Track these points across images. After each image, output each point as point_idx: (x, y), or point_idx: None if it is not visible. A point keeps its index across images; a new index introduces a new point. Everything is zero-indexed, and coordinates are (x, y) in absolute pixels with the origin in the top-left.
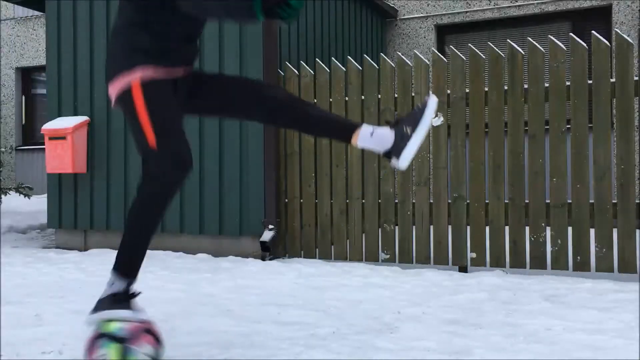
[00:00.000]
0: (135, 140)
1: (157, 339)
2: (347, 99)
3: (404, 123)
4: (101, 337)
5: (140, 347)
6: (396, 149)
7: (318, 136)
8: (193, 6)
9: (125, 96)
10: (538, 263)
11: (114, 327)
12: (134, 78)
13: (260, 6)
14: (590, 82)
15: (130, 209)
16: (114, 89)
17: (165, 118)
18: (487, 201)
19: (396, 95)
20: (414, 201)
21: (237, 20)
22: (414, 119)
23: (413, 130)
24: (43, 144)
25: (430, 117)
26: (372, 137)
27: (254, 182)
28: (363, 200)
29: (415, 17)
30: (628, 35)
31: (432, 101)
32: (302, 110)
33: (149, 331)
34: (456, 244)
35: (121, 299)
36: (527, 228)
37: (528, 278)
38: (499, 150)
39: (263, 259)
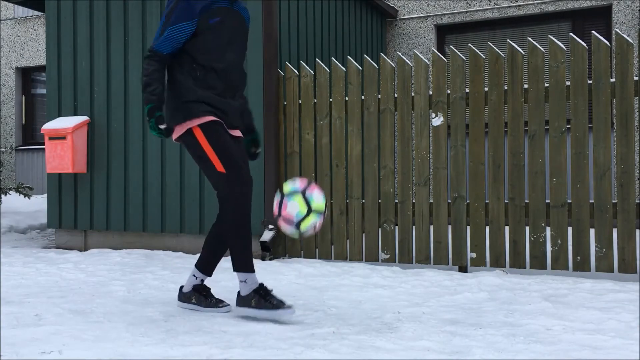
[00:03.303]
0: (205, 172)
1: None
2: (347, 98)
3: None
4: (284, 197)
5: (317, 191)
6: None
7: (227, 240)
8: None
9: (188, 134)
10: (538, 263)
11: (290, 187)
12: (193, 124)
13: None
14: (590, 82)
15: (221, 228)
16: (175, 134)
17: (226, 149)
18: (487, 201)
19: (396, 95)
20: (414, 201)
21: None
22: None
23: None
24: (43, 144)
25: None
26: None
27: (254, 182)
28: (363, 200)
29: (415, 17)
30: (628, 35)
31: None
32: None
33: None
34: (456, 244)
35: (263, 293)
36: (527, 228)
37: (528, 278)
38: (499, 150)
39: (263, 259)
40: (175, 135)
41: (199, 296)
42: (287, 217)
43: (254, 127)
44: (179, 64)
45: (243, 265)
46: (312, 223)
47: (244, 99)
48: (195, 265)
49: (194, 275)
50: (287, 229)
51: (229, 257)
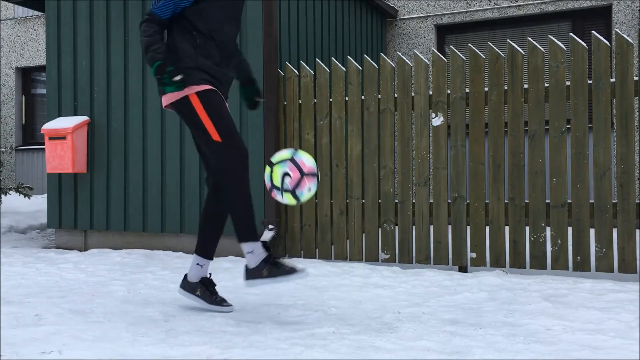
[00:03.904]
0: (198, 141)
1: (311, 174)
2: (347, 98)
3: (269, 264)
4: (273, 189)
5: (304, 189)
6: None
7: (229, 212)
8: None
9: (184, 101)
10: (538, 263)
11: (281, 181)
12: (191, 91)
13: (154, 70)
14: (590, 82)
15: (216, 205)
16: (168, 99)
17: (224, 118)
18: (487, 201)
19: (396, 95)
20: (414, 201)
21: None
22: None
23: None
24: (43, 144)
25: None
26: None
27: (253, 182)
28: (363, 200)
29: (415, 17)
30: (628, 35)
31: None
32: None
33: (309, 175)
34: (456, 244)
35: (272, 261)
36: (527, 228)
37: (528, 278)
38: (499, 150)
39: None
40: (167, 102)
41: (204, 290)
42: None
43: (254, 77)
44: (179, 30)
45: (248, 235)
46: (308, 186)
47: (239, 53)
48: (195, 252)
49: (197, 264)
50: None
51: (228, 257)
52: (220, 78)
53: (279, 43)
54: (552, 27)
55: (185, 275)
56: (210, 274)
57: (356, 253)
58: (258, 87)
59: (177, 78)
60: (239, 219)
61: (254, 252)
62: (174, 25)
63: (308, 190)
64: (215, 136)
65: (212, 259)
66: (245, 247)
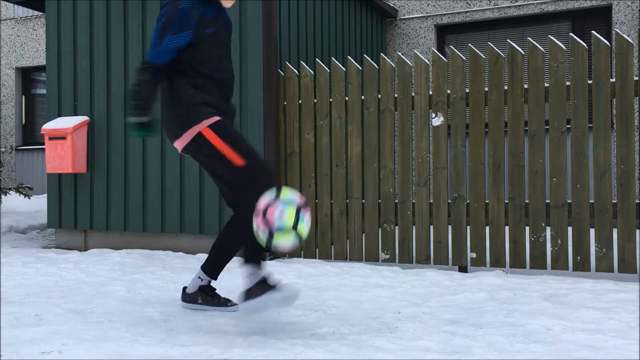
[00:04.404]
0: (222, 170)
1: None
2: (347, 98)
3: (259, 288)
4: (280, 201)
5: (306, 215)
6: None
7: (240, 231)
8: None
9: (198, 139)
10: (538, 263)
11: (290, 195)
12: (202, 126)
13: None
14: (590, 82)
15: (237, 228)
16: (182, 142)
17: (241, 141)
18: (487, 201)
19: (396, 95)
20: (414, 201)
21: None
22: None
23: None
24: (43, 144)
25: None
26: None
27: None
28: (363, 200)
29: (415, 17)
30: (628, 35)
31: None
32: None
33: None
34: (456, 244)
35: (269, 283)
36: (527, 228)
37: (528, 278)
38: (499, 150)
39: (263, 259)
40: (181, 144)
41: (205, 296)
42: (270, 221)
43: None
44: (179, 73)
45: (255, 258)
46: (287, 241)
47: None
48: (202, 268)
49: (199, 277)
50: (261, 231)
51: (234, 257)
52: (224, 111)
53: (279, 43)
54: (552, 27)
55: (184, 288)
56: (209, 281)
57: (356, 253)
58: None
59: (137, 120)
60: (250, 240)
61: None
62: (173, 68)
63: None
64: (238, 160)
65: (216, 279)
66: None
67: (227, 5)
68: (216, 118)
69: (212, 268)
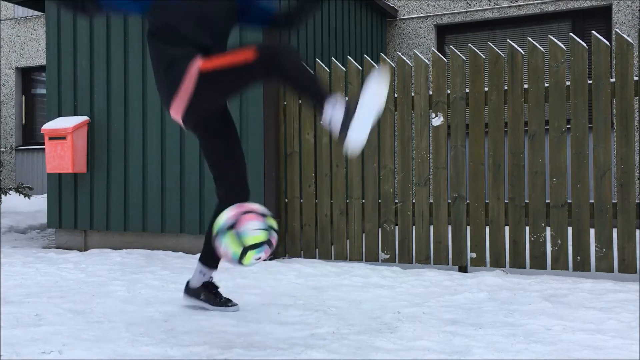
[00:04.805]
0: (246, 81)
1: (259, 213)
2: (347, 99)
3: (207, 291)
4: (217, 236)
5: (247, 225)
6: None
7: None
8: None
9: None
10: (538, 263)
11: (220, 222)
12: (193, 71)
13: None
14: (590, 82)
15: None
16: (183, 97)
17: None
18: (487, 201)
19: (396, 95)
20: (414, 201)
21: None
22: (215, 301)
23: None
24: (43, 144)
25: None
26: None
27: (254, 182)
28: (363, 200)
29: (415, 17)
30: (628, 35)
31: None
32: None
33: (248, 212)
34: (456, 244)
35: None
36: (527, 228)
37: (528, 278)
38: (499, 150)
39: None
40: (177, 113)
41: (208, 294)
42: (226, 255)
43: None
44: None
45: (209, 259)
46: (255, 257)
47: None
48: (200, 260)
49: (200, 272)
50: (231, 264)
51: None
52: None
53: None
54: (552, 27)
55: (188, 282)
56: (211, 277)
57: (356, 253)
58: None
59: None
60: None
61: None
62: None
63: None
64: (248, 55)
65: (216, 269)
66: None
67: None
68: (199, 61)
69: (208, 259)
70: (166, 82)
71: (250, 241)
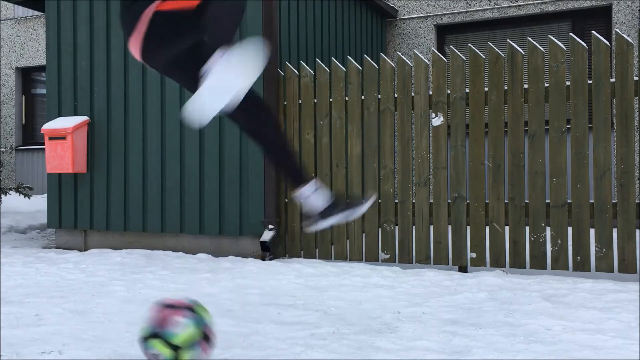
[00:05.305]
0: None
1: (184, 307)
2: (347, 98)
3: (337, 207)
4: (142, 343)
5: (172, 323)
6: (324, 213)
7: (276, 163)
8: None
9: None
10: (538, 263)
11: (144, 330)
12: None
13: None
14: (590, 82)
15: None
16: (139, 34)
17: None
18: (487, 201)
19: (396, 95)
20: (414, 201)
21: None
22: (346, 207)
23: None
24: (43, 144)
25: (354, 216)
26: (315, 194)
27: (254, 182)
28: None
29: (415, 17)
30: (628, 35)
31: (364, 205)
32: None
33: (170, 308)
34: (456, 244)
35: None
36: (527, 228)
37: (528, 278)
38: (499, 150)
39: (263, 259)
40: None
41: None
42: (164, 319)
43: None
44: None
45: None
46: (194, 355)
47: None
48: (298, 184)
49: (315, 191)
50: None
51: (229, 258)
52: None
53: (279, 43)
54: (552, 27)
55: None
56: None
57: (356, 253)
58: None
59: None
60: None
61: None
62: None
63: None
64: None
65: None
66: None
67: None
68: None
69: (298, 176)
70: (128, 14)
71: (179, 340)
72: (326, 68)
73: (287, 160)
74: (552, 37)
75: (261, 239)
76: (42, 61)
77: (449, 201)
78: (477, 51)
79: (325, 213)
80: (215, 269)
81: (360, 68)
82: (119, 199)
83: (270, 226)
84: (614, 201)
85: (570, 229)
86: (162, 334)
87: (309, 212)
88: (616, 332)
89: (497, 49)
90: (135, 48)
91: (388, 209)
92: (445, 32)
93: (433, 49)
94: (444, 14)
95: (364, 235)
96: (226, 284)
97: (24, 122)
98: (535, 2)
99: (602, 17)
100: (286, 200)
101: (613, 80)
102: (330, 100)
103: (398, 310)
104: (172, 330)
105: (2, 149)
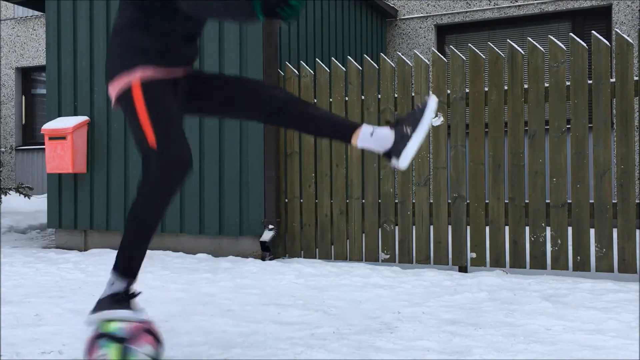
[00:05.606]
0: (135, 140)
1: (157, 339)
2: (347, 98)
3: (403, 123)
4: (101, 337)
5: (140, 346)
6: (396, 149)
7: (318, 136)
8: (194, 5)
9: (126, 96)
10: (538, 263)
11: (113, 327)
12: (134, 78)
13: (261, 6)
14: (590, 82)
15: (131, 208)
16: (114, 89)
17: (165, 118)
18: (487, 201)
19: (396, 95)
20: (414, 201)
21: (238, 20)
22: (414, 118)
23: (413, 130)
24: (43, 144)
25: (430, 117)
26: (372, 137)
27: (254, 182)
28: (363, 200)
29: (415, 17)
30: (628, 35)
31: (432, 101)
32: (302, 110)
33: (149, 331)
34: (456, 244)
35: (121, 299)
36: (527, 228)
37: (528, 278)
38: (499, 150)
39: (263, 259)
40: (114, 91)
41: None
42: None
43: None
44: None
45: (126, 268)
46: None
47: None
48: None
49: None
50: None
51: (229, 257)
52: (178, 58)
53: (279, 43)
54: (552, 27)
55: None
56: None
57: (356, 253)
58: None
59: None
60: (127, 245)
61: (114, 285)
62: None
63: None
64: (150, 138)
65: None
66: (112, 276)
67: None
68: (152, 74)
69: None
70: (118, 59)
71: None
72: (326, 68)
73: (330, 123)
74: (552, 37)
75: (261, 239)
76: (42, 61)
77: (449, 201)
78: (477, 51)
79: (393, 151)
80: (215, 269)
81: (360, 68)
82: (119, 199)
83: (270, 226)
84: (614, 201)
85: (570, 229)
86: (126, 347)
87: (384, 152)
88: (616, 332)
89: (497, 49)
90: (111, 92)
91: (388, 209)
92: (445, 32)
93: (433, 49)
94: (444, 14)
95: (364, 235)
96: (226, 284)
97: (24, 122)
98: (535, 2)
99: (602, 17)
100: (286, 200)
101: (613, 80)
102: (330, 100)
103: (398, 310)
104: (136, 351)
105: (2, 149)
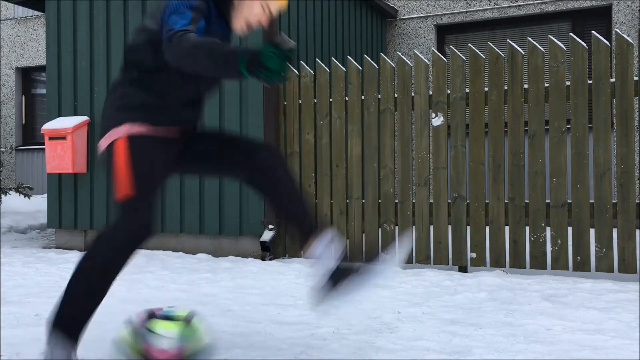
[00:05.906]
0: (113, 191)
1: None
2: (347, 98)
3: (351, 272)
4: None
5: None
6: (338, 276)
7: (283, 217)
8: (182, 60)
9: (109, 148)
10: (538, 263)
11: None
12: (121, 133)
13: (246, 67)
14: (590, 82)
15: (87, 254)
16: (103, 144)
17: (144, 177)
18: (487, 201)
19: (396, 95)
20: (414, 201)
21: (224, 77)
22: (359, 278)
23: (347, 282)
24: (43, 144)
25: (373, 285)
26: (326, 247)
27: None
28: (363, 201)
29: (415, 17)
30: (628, 35)
31: (385, 266)
32: (285, 181)
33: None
34: (456, 244)
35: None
36: (527, 228)
37: (528, 278)
38: (499, 150)
39: (263, 259)
40: (102, 145)
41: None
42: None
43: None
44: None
45: (68, 326)
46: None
47: None
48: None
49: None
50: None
51: (229, 257)
52: (181, 119)
53: None
54: (552, 27)
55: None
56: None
57: (356, 253)
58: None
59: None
60: (75, 297)
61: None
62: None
63: None
64: (122, 191)
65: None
66: (52, 337)
67: (237, 29)
68: (140, 130)
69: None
70: (110, 115)
71: (179, 315)
72: (326, 68)
73: (302, 207)
74: (552, 37)
75: (261, 239)
76: (42, 61)
77: (449, 201)
78: (477, 51)
79: (336, 277)
80: (215, 269)
81: (360, 68)
82: None
83: (270, 226)
84: (614, 201)
85: (570, 229)
86: (158, 316)
87: (317, 269)
88: (616, 332)
89: (497, 49)
90: (101, 146)
91: (388, 209)
92: (445, 32)
93: (433, 49)
94: (444, 14)
95: (364, 235)
96: (226, 284)
97: (24, 122)
98: (535, 2)
99: (602, 17)
100: None
101: (613, 80)
102: (330, 100)
103: (398, 310)
104: (166, 313)
105: (2, 149)
